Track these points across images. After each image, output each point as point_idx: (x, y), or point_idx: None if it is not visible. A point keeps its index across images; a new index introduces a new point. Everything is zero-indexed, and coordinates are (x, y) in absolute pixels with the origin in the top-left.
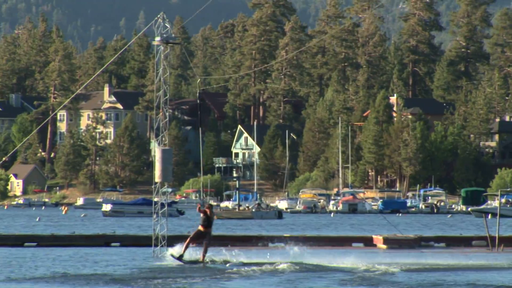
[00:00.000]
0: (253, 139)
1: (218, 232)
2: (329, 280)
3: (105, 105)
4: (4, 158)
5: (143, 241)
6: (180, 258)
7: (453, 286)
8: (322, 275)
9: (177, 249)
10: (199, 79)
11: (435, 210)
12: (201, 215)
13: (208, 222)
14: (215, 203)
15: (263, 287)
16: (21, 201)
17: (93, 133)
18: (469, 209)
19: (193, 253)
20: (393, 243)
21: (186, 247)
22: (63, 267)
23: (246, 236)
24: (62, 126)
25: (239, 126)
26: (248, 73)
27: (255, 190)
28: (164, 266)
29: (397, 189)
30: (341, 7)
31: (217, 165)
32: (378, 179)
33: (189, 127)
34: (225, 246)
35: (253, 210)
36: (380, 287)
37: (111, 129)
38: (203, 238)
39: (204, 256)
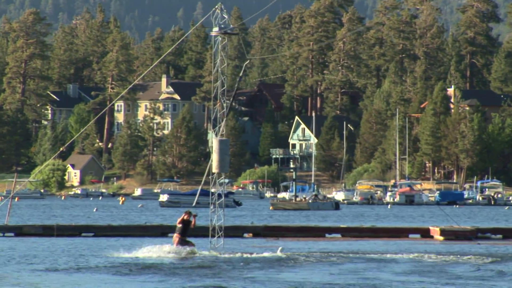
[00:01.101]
0: (311, 130)
1: (274, 223)
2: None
3: (163, 96)
4: (61, 148)
5: (200, 232)
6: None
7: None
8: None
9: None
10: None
11: (492, 202)
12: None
13: (183, 230)
14: (272, 194)
15: (325, 277)
16: (78, 192)
17: (151, 124)
18: None
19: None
20: (450, 235)
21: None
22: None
23: (303, 226)
24: (120, 117)
25: (296, 117)
26: (305, 64)
27: (312, 181)
28: (220, 256)
29: (454, 180)
30: None
31: (274, 156)
32: (435, 170)
33: (246, 118)
34: (283, 237)
35: (310, 201)
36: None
37: (168, 120)
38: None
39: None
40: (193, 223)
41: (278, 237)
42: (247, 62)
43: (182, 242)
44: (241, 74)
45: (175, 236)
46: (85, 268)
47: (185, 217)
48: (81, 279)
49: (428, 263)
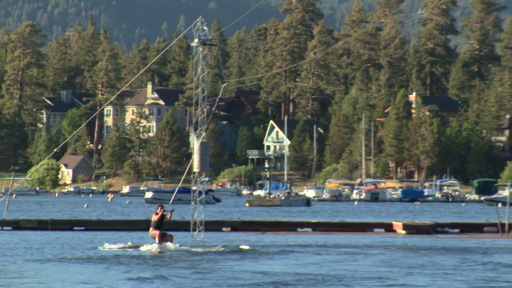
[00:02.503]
0: (284, 133)
1: (251, 218)
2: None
3: (148, 101)
4: (55, 150)
5: (182, 227)
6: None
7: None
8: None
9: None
10: (224, 84)
11: (450, 199)
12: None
13: (158, 224)
14: (248, 192)
15: (297, 268)
16: (71, 189)
17: (137, 127)
18: (482, 198)
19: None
20: (411, 229)
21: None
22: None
23: (276, 221)
24: (109, 120)
25: (271, 121)
26: (279, 73)
27: (285, 180)
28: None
29: (415, 179)
30: (365, 12)
31: (250, 157)
32: (398, 170)
33: (224, 122)
34: (257, 231)
35: (283, 198)
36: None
37: (153, 123)
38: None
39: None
40: (169, 216)
41: (254, 231)
42: (225, 84)
43: (160, 231)
44: (219, 95)
45: (151, 230)
46: (73, 258)
47: (158, 211)
48: (66, 269)
49: (391, 255)
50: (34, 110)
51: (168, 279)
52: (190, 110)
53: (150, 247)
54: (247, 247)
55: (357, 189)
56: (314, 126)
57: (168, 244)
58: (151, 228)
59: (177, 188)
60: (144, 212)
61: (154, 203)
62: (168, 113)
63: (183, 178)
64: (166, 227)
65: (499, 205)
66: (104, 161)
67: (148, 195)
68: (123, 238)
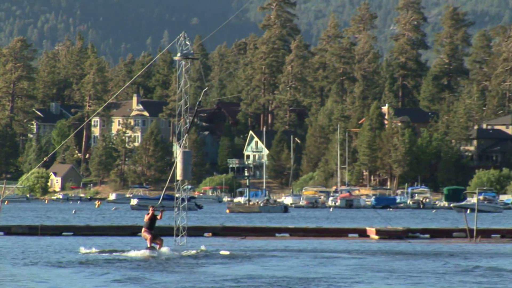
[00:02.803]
0: (263, 143)
1: (232, 224)
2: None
3: (133, 113)
4: (45, 159)
5: (166, 232)
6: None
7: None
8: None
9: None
10: (200, 97)
11: (421, 206)
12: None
13: (150, 225)
14: (228, 199)
15: (276, 272)
16: (60, 196)
17: (123, 137)
18: (451, 205)
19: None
20: (384, 234)
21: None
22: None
23: (256, 227)
24: (96, 131)
25: (250, 132)
26: (258, 85)
27: (264, 187)
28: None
29: (388, 187)
30: (340, 28)
31: (230, 166)
32: (371, 178)
33: (206, 132)
34: (238, 236)
35: (262, 205)
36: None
37: (138, 134)
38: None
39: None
40: (160, 216)
41: (235, 237)
42: (206, 89)
43: (151, 236)
44: (200, 99)
45: (144, 231)
46: (58, 263)
47: (150, 212)
48: (50, 273)
49: (365, 259)
50: (25, 121)
51: (143, 282)
52: (173, 121)
53: (140, 253)
54: (227, 253)
55: (333, 196)
56: (292, 136)
57: (161, 249)
58: (143, 229)
59: (161, 195)
60: (129, 218)
61: (139, 209)
62: (153, 124)
63: (166, 186)
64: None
65: (468, 211)
66: (92, 169)
67: (133, 202)
68: (111, 243)
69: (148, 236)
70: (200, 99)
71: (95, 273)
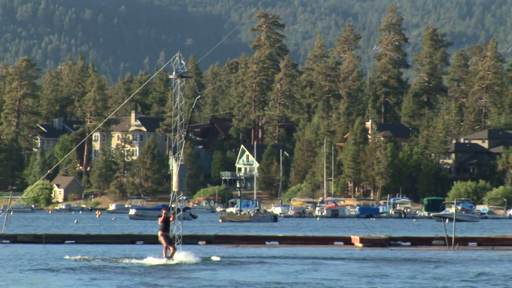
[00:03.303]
0: (253, 157)
1: (225, 233)
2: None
3: (132, 128)
4: (48, 171)
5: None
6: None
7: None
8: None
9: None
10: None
11: (402, 215)
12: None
13: (165, 227)
14: (221, 209)
15: (268, 277)
16: (62, 207)
17: (122, 151)
18: (431, 214)
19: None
20: (368, 242)
21: (165, 250)
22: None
23: (247, 235)
24: (96, 145)
25: (242, 146)
26: (249, 102)
27: (254, 198)
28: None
29: (371, 198)
30: (326, 48)
31: (223, 178)
32: (356, 189)
33: (200, 146)
34: (231, 244)
35: (252, 214)
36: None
37: (136, 148)
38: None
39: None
40: (172, 218)
41: (228, 244)
42: (198, 97)
43: (167, 239)
44: (193, 107)
45: (160, 235)
46: (59, 269)
47: (164, 214)
48: (49, 278)
49: (350, 265)
50: (30, 136)
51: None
52: (169, 136)
53: (157, 261)
54: (218, 259)
55: (319, 206)
56: (281, 150)
57: (177, 257)
58: (159, 232)
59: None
60: (128, 227)
61: (137, 219)
62: (150, 138)
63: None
64: (148, 241)
65: (447, 220)
66: (92, 181)
67: (132, 212)
68: (110, 251)
69: (164, 243)
70: (193, 107)
71: (83, 278)
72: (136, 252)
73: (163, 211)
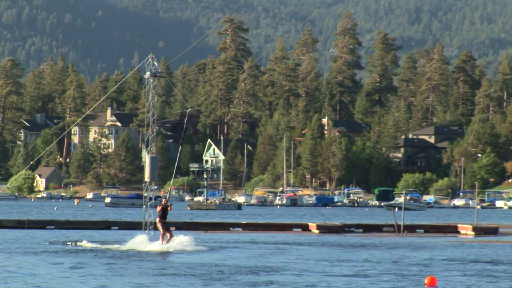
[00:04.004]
0: (219, 150)
1: (193, 220)
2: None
3: (108, 123)
4: (31, 162)
5: (135, 226)
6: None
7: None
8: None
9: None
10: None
11: (356, 204)
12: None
13: (163, 214)
14: (190, 198)
15: (235, 261)
16: (44, 195)
17: (99, 144)
18: (382, 204)
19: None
20: (324, 229)
21: (162, 237)
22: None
23: (213, 222)
24: (75, 139)
25: (209, 140)
26: (215, 100)
27: (220, 188)
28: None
29: (327, 188)
30: (286, 50)
31: (191, 169)
32: (313, 180)
33: (170, 140)
34: (198, 230)
35: (218, 203)
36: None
37: (112, 141)
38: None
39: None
40: (169, 208)
41: (195, 231)
42: (188, 110)
43: (163, 225)
44: (186, 119)
45: (158, 221)
46: (38, 252)
47: (163, 203)
48: (27, 260)
49: (308, 249)
50: (14, 130)
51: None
52: (142, 130)
53: (154, 247)
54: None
55: (279, 196)
56: (244, 144)
57: (172, 242)
58: (157, 219)
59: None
60: (104, 214)
61: (112, 207)
62: (124, 133)
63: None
64: (122, 226)
65: (396, 209)
66: (71, 172)
67: (107, 200)
68: (88, 236)
69: (161, 230)
70: (186, 119)
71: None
72: (116, 237)
73: (163, 199)
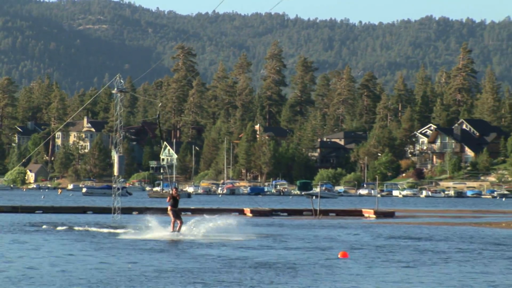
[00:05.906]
0: (173, 150)
1: (153, 206)
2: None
3: (84, 129)
4: (23, 160)
5: (106, 211)
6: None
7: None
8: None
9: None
10: (159, 110)
11: (281, 194)
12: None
13: (174, 203)
14: (149, 188)
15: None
16: (34, 186)
17: (77, 146)
18: (302, 193)
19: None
20: (256, 213)
21: (173, 225)
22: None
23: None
24: (58, 141)
25: (165, 143)
26: (170, 111)
27: (174, 180)
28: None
29: (259, 180)
30: (226, 71)
31: (151, 165)
32: (248, 174)
33: (134, 143)
34: (156, 215)
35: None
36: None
37: (88, 143)
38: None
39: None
40: (178, 197)
41: (162, 214)
42: (160, 104)
43: (175, 213)
44: (158, 113)
45: (169, 209)
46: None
47: (173, 193)
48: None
49: (246, 229)
50: (10, 134)
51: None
52: (112, 135)
53: (162, 234)
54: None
55: (221, 186)
56: (193, 146)
57: (181, 231)
58: (169, 207)
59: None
60: (81, 201)
61: (88, 195)
62: (97, 137)
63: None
64: (96, 211)
65: (313, 197)
66: (56, 168)
67: (84, 190)
68: (69, 218)
69: (172, 217)
70: (158, 113)
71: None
72: (95, 220)
73: (173, 189)
